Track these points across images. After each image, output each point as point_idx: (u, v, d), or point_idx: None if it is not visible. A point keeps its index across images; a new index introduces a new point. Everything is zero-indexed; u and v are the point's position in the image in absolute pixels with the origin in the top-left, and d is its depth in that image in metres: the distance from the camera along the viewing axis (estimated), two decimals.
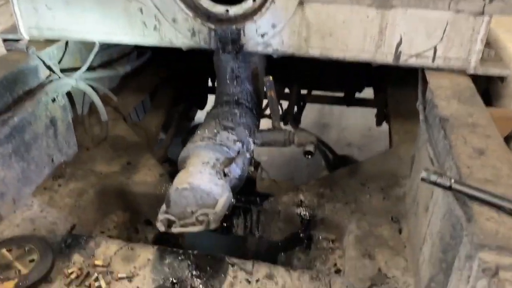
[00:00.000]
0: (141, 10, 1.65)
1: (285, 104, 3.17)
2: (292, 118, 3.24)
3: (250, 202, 1.81)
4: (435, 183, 0.99)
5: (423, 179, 1.00)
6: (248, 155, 1.61)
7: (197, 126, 3.06)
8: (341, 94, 3.59)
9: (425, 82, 1.69)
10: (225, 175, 1.49)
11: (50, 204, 1.76)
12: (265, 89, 1.72)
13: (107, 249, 1.57)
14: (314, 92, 3.62)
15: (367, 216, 1.70)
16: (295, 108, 3.25)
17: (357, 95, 3.59)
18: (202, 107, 3.82)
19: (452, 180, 0.97)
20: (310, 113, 5.13)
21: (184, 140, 3.01)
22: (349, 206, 1.76)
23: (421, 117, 1.49)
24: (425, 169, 1.01)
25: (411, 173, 1.70)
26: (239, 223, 1.86)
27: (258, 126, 1.82)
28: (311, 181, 1.91)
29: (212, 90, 3.60)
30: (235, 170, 1.51)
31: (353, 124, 5.09)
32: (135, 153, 2.12)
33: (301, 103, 3.48)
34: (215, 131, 1.61)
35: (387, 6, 1.46)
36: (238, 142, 1.59)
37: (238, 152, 1.57)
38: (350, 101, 3.58)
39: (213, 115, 1.75)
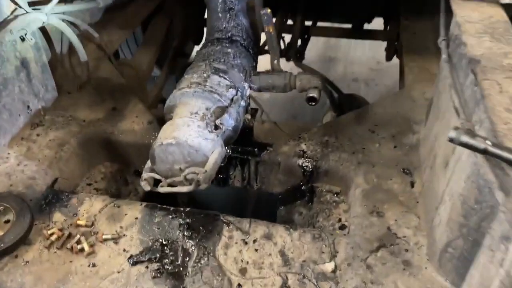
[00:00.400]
0: None
1: (287, 38, 2.92)
2: (295, 53, 2.99)
3: (247, 153, 1.65)
4: (466, 145, 0.81)
5: (451, 140, 0.82)
6: (243, 103, 1.42)
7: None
8: (348, 26, 3.31)
9: (448, 13, 1.45)
10: (216, 127, 1.31)
11: (28, 156, 1.61)
12: (262, 24, 1.49)
13: (91, 207, 1.44)
14: (319, 24, 3.34)
15: (375, 167, 1.54)
16: (299, 42, 2.99)
17: (366, 26, 3.30)
18: (198, 42, 3.56)
19: (488, 143, 0.79)
20: (315, 46, 4.83)
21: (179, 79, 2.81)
22: (356, 156, 1.60)
23: (444, 55, 1.28)
24: (454, 127, 0.83)
25: (427, 120, 1.52)
26: (236, 174, 1.71)
27: (255, 67, 1.61)
28: (314, 128, 1.73)
29: None
30: (228, 121, 1.33)
31: (360, 57, 4.82)
32: (121, 97, 1.93)
33: (305, 36, 3.21)
34: (205, 75, 1.41)
35: None
36: (231, 88, 1.39)
37: (232, 100, 1.37)
38: (358, 33, 3.30)
39: (203, 56, 1.53)
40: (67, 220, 1.40)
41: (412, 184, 1.47)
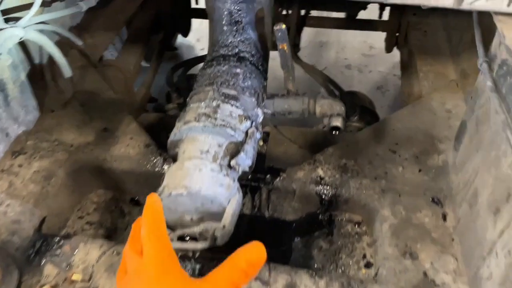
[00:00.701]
0: None
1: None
2: (292, 45, 2.79)
3: (258, 180, 1.49)
4: None
5: None
6: (258, 135, 1.24)
7: (189, 76, 2.64)
8: (341, 15, 3.12)
9: (488, 31, 1.29)
10: (230, 167, 1.14)
11: (10, 194, 1.41)
12: (276, 41, 1.30)
13: (87, 255, 1.27)
14: (314, 14, 3.14)
15: (402, 196, 1.40)
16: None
17: (361, 16, 3.12)
18: (186, 34, 3.33)
19: None
20: (305, 30, 4.63)
21: (169, 80, 2.60)
22: (379, 182, 1.46)
23: (489, 83, 1.13)
24: None
25: (459, 144, 1.37)
26: (245, 202, 1.55)
27: (265, 87, 1.43)
28: (329, 149, 1.57)
29: (197, 14, 3.09)
30: (245, 162, 1.16)
31: (352, 42, 4.63)
32: (112, 115, 1.73)
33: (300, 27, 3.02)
34: (214, 104, 1.22)
35: None
36: (245, 120, 1.21)
37: (247, 134, 1.20)
38: (355, 23, 3.11)
39: (208, 77, 1.34)
40: (61, 273, 1.23)
41: (444, 217, 1.34)
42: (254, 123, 1.24)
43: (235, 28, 1.39)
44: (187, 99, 1.36)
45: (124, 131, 1.65)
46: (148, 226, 0.75)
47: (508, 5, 1.11)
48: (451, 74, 1.88)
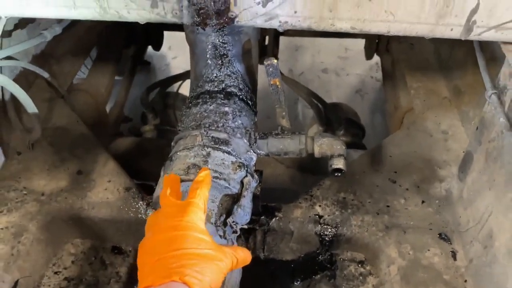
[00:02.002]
0: None
1: None
2: (271, 53, 2.66)
3: (253, 222, 1.38)
4: None
5: None
6: (254, 183, 1.13)
7: (166, 94, 2.49)
8: None
9: (492, 59, 1.21)
10: (225, 224, 1.02)
11: None
12: (267, 76, 1.19)
13: None
14: None
15: (407, 233, 1.32)
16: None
17: None
18: (158, 48, 3.17)
19: None
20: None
21: (144, 101, 2.45)
22: (381, 218, 1.37)
23: (501, 118, 1.04)
24: None
25: (466, 175, 1.29)
26: (240, 243, 1.44)
27: (256, 124, 1.31)
28: (326, 181, 1.47)
29: (170, 26, 2.93)
30: (243, 218, 1.04)
31: (327, 44, 4.55)
32: (85, 152, 1.58)
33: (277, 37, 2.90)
34: (204, 152, 1.10)
35: None
36: (239, 168, 1.09)
37: (242, 184, 1.08)
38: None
39: (194, 118, 1.21)
40: None
41: (454, 256, 1.27)
42: (248, 170, 1.13)
43: (220, 61, 1.27)
44: (172, 143, 1.22)
45: (100, 173, 1.51)
46: (197, 186, 0.89)
47: None
48: (442, 90, 1.82)
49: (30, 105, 1.46)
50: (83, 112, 1.88)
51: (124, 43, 2.63)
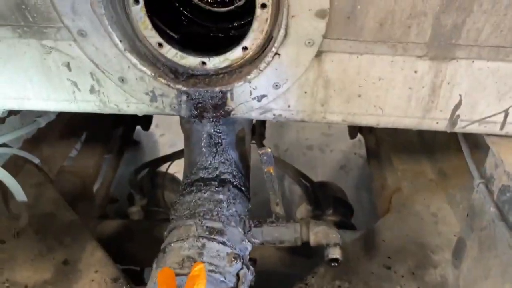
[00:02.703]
0: (68, 66, 1.06)
1: None
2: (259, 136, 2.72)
3: None
4: None
5: None
6: (249, 275, 1.11)
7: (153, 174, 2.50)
8: None
9: (475, 146, 1.27)
10: None
11: None
12: (262, 165, 1.21)
13: None
14: None
15: None
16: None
17: None
18: (147, 128, 3.22)
19: None
20: None
21: (132, 182, 2.44)
22: None
23: (492, 208, 1.07)
24: None
25: (459, 261, 1.29)
26: None
27: (250, 210, 1.31)
28: (320, 268, 1.45)
29: None
30: None
31: None
32: (72, 241, 1.54)
33: None
34: (199, 244, 1.08)
35: (447, 57, 0.99)
36: (234, 260, 1.07)
37: (238, 278, 1.06)
38: None
39: (188, 206, 1.21)
40: None
41: None
42: (244, 261, 1.11)
43: (215, 149, 1.29)
44: (165, 233, 1.21)
45: (87, 262, 1.46)
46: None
47: (501, 128, 1.09)
48: (428, 173, 1.86)
49: (19, 193, 1.44)
50: (70, 195, 1.86)
51: (113, 124, 2.67)
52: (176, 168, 2.41)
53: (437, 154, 1.88)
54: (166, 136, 3.85)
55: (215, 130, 1.27)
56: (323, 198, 2.46)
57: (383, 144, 2.18)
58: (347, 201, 2.57)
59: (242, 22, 1.26)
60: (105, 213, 2.42)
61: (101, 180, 2.50)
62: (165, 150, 3.38)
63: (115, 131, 2.78)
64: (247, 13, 1.29)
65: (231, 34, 1.28)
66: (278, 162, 2.50)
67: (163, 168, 2.50)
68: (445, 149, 1.80)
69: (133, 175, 2.45)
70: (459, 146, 1.30)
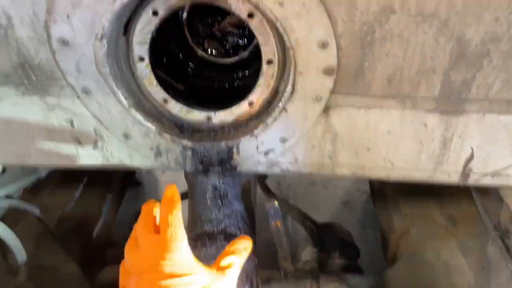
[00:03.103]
0: (71, 123, 1.04)
1: None
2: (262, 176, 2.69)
3: None
4: None
5: None
6: None
7: None
8: None
9: (488, 196, 1.24)
10: None
11: None
12: (269, 219, 1.18)
13: None
14: None
15: None
16: None
17: None
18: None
19: None
20: None
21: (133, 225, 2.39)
22: None
23: (509, 263, 1.03)
24: None
25: None
26: None
27: (257, 265, 1.26)
28: None
29: None
30: None
31: None
32: None
33: None
34: None
35: (457, 111, 0.98)
36: None
37: None
38: None
39: None
40: None
41: None
42: None
43: (220, 202, 1.26)
44: None
45: None
46: (167, 212, 0.77)
47: None
48: (437, 218, 1.82)
49: (19, 251, 1.40)
50: (70, 243, 1.81)
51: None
52: None
53: (447, 201, 1.84)
54: (167, 174, 3.83)
55: (221, 182, 1.24)
56: (329, 241, 2.41)
57: (388, 186, 2.15)
58: (353, 242, 2.51)
59: (247, 72, 1.26)
60: (105, 258, 2.36)
61: (102, 223, 2.46)
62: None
63: (117, 174, 2.75)
64: (251, 63, 1.30)
65: (235, 84, 1.27)
66: (281, 202, 2.46)
67: None
68: (455, 196, 1.77)
69: (134, 219, 2.40)
70: (469, 192, 1.27)
